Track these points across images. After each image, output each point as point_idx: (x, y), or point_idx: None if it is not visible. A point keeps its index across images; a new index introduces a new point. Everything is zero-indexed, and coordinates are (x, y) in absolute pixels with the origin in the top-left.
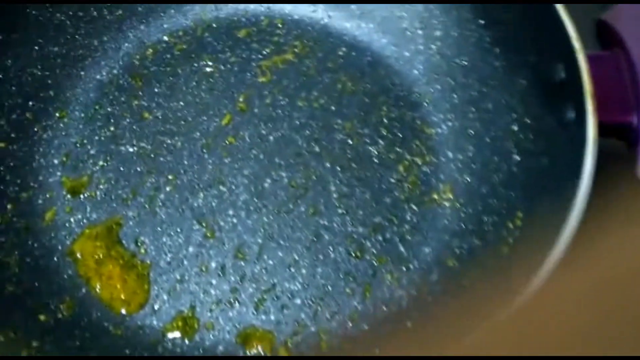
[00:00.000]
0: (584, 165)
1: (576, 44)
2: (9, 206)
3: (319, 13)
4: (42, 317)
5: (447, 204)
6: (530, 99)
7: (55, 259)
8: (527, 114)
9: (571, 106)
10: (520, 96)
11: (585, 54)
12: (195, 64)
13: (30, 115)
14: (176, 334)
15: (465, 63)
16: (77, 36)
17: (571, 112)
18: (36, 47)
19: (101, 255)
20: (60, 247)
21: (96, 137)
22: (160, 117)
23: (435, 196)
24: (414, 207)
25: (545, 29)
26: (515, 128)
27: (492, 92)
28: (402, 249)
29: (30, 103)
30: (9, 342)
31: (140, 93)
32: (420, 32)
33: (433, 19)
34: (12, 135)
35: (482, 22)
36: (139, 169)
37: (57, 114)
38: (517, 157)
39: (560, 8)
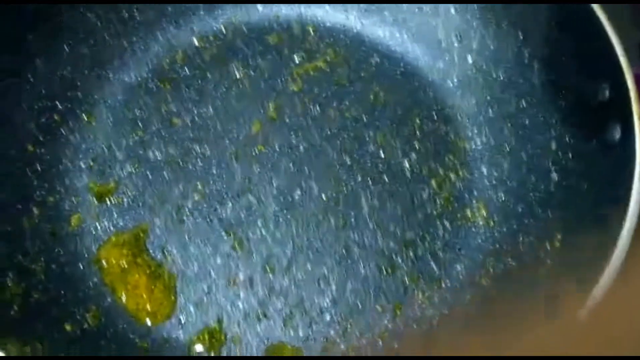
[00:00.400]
0: (631, 190)
1: (624, 62)
2: (35, 210)
3: (352, 20)
4: (67, 327)
5: (480, 221)
6: (570, 116)
7: (81, 266)
8: (567, 133)
9: (616, 126)
10: (560, 114)
11: (633, 73)
12: (225, 70)
13: (58, 117)
14: (203, 347)
15: (502, 77)
16: (106, 37)
17: (615, 133)
18: (66, 48)
19: (127, 264)
20: (86, 254)
21: (124, 142)
22: (189, 123)
23: (469, 213)
24: (447, 223)
25: (589, 46)
26: (554, 146)
27: (529, 108)
28: (434, 266)
29: (59, 105)
30: (35, 354)
31: (169, 98)
32: (456, 43)
33: (470, 31)
34: (40, 138)
35: (522, 36)
36: (166, 176)
37: (85, 117)
38: (556, 176)
39: (607, 25)
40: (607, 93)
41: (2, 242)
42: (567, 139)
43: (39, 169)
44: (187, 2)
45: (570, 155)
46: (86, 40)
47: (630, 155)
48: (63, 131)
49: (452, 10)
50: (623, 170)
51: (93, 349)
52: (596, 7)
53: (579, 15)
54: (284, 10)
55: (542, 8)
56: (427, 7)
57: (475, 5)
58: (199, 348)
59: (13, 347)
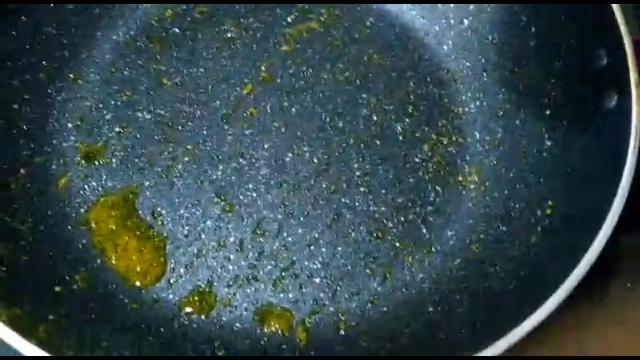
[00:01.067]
0: (625, 156)
1: (623, 29)
2: (22, 170)
3: None
4: (57, 289)
5: (472, 186)
6: (565, 82)
7: (69, 227)
8: (562, 98)
9: (612, 93)
10: (555, 79)
11: (632, 39)
12: (217, 29)
13: (44, 75)
14: (192, 307)
15: (498, 41)
16: None
17: (611, 99)
18: (51, 4)
19: (116, 226)
20: (74, 215)
21: (112, 102)
22: (178, 84)
23: (461, 178)
24: (438, 188)
25: (589, 11)
26: (548, 112)
27: (525, 72)
28: (424, 231)
29: (44, 63)
30: (25, 316)
31: (158, 57)
32: (452, 5)
33: None
34: (26, 96)
35: None
36: (156, 137)
37: (72, 76)
38: (549, 143)
39: None
40: (604, 59)
41: None
42: (561, 105)
43: (25, 128)
44: None
45: (564, 122)
46: None
47: (625, 123)
48: (49, 90)
49: None
50: (618, 138)
51: (82, 310)
52: None
53: None
54: None
55: None
56: None
57: None
58: (189, 309)
59: (2, 309)
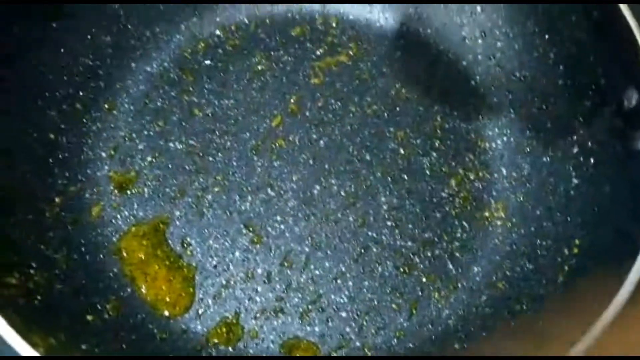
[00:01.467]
0: None
1: None
2: (57, 199)
3: (376, 14)
4: (89, 318)
5: (499, 222)
6: (594, 121)
7: (101, 256)
8: (590, 137)
9: None
10: (584, 118)
11: None
12: (248, 61)
13: (80, 106)
14: (220, 338)
15: (526, 78)
16: (129, 26)
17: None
18: (88, 36)
19: (147, 255)
20: (106, 244)
21: (145, 132)
22: (210, 115)
23: (487, 214)
24: (465, 224)
25: (618, 51)
26: (576, 150)
27: (552, 110)
28: (451, 266)
29: (81, 93)
30: (60, 345)
31: (191, 88)
32: (480, 41)
33: (495, 29)
34: (62, 126)
35: (548, 37)
36: (187, 167)
37: (107, 106)
38: (576, 181)
39: (638, 34)
40: (633, 100)
41: (26, 231)
42: (589, 143)
43: (61, 157)
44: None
45: (592, 160)
46: (109, 28)
47: None
48: (85, 120)
49: (479, 8)
50: None
51: (113, 339)
52: (626, 11)
53: (608, 18)
54: (308, 3)
55: (570, 8)
56: (453, 5)
57: (501, 4)
58: (216, 340)
59: (38, 339)
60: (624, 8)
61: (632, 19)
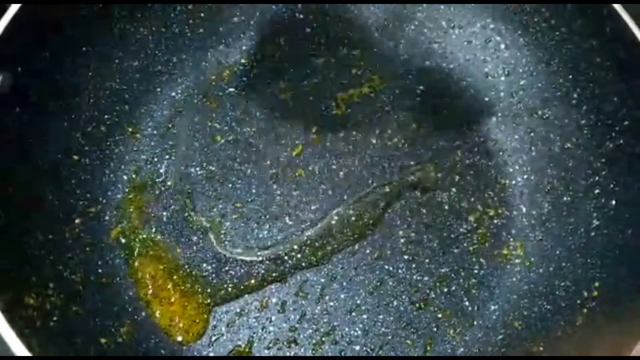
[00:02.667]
0: None
1: None
2: (77, 220)
3: (400, 48)
4: (102, 341)
5: (517, 261)
6: (616, 162)
7: (118, 278)
8: (612, 179)
9: None
10: (606, 159)
11: None
12: (270, 90)
13: (104, 128)
14: None
15: (548, 116)
16: (157, 52)
17: None
18: (117, 61)
19: (163, 279)
20: (123, 267)
21: (167, 156)
22: (231, 142)
23: (505, 251)
24: (483, 261)
25: None
26: (597, 191)
27: (574, 150)
28: (467, 303)
29: (106, 116)
30: None
31: (214, 115)
32: (503, 78)
33: (519, 67)
34: (86, 148)
35: (571, 75)
36: (207, 193)
37: (130, 129)
38: (597, 222)
39: None
40: None
41: (45, 251)
42: (611, 185)
43: (83, 178)
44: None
45: (613, 202)
46: (137, 53)
47: None
48: (108, 143)
49: (502, 46)
50: None
51: None
52: None
53: (633, 59)
54: (332, 33)
55: (596, 50)
56: (476, 41)
57: (525, 41)
58: None
59: None
60: None
61: None
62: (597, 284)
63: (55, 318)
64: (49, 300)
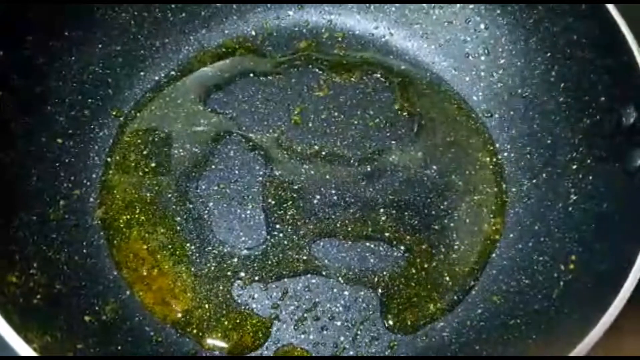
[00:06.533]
0: None
1: None
2: (62, 202)
3: (381, 30)
4: (86, 318)
5: (497, 236)
6: (593, 139)
7: (102, 259)
8: (589, 155)
9: (638, 153)
10: (583, 135)
11: None
12: (253, 73)
13: (88, 112)
14: (214, 343)
15: (528, 94)
16: (139, 36)
17: (638, 159)
18: (99, 45)
19: (147, 258)
20: (107, 248)
21: (150, 138)
22: (214, 123)
23: (486, 227)
24: (463, 236)
25: (619, 73)
26: (575, 167)
27: (553, 127)
28: (447, 278)
29: (89, 100)
30: (56, 343)
31: (197, 98)
32: (483, 58)
33: (498, 47)
34: (70, 131)
35: (549, 54)
36: (190, 174)
37: (114, 113)
38: (574, 197)
39: (638, 54)
40: (631, 118)
41: (29, 231)
42: (588, 160)
43: (67, 161)
44: (220, 2)
45: (590, 177)
46: (119, 38)
47: None
48: (92, 126)
49: (482, 26)
50: None
51: (109, 340)
52: (625, 30)
53: (609, 37)
54: (314, 17)
55: (573, 28)
56: (456, 21)
57: (505, 21)
58: (211, 344)
59: (33, 336)
60: (624, 28)
61: (630, 36)
62: (573, 258)
63: (38, 296)
64: (33, 279)
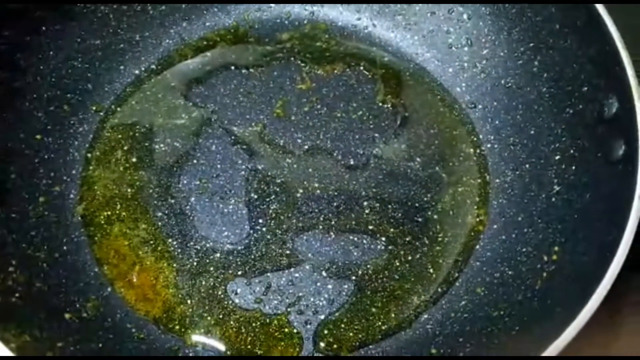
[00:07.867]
0: (630, 208)
1: (632, 80)
2: (41, 199)
3: (364, 21)
4: (67, 316)
5: (480, 228)
6: (576, 129)
7: (83, 256)
8: (572, 145)
9: (621, 143)
10: (566, 125)
11: None
12: (235, 66)
13: (67, 107)
14: (198, 339)
15: (511, 85)
16: (119, 30)
17: (620, 149)
18: (78, 40)
19: (128, 255)
20: (88, 244)
21: (130, 133)
22: (195, 117)
23: (469, 219)
24: (446, 228)
25: (601, 62)
26: (558, 157)
27: (536, 117)
28: (430, 270)
29: (69, 95)
30: (35, 342)
31: (178, 93)
32: (466, 48)
33: (481, 37)
34: (49, 127)
35: (532, 44)
36: (172, 169)
37: (94, 108)
38: (557, 188)
39: (620, 43)
40: (613, 108)
41: (8, 229)
42: (571, 151)
43: (47, 157)
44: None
45: (573, 167)
46: (98, 31)
47: (632, 174)
48: (72, 121)
49: (465, 16)
50: (624, 188)
51: (90, 338)
52: (608, 20)
53: (591, 27)
54: (297, 8)
55: (555, 18)
56: (440, 12)
57: (487, 11)
58: (194, 340)
59: (11, 335)
60: (606, 17)
61: (613, 27)
62: (556, 248)
63: (17, 294)
64: (11, 277)
